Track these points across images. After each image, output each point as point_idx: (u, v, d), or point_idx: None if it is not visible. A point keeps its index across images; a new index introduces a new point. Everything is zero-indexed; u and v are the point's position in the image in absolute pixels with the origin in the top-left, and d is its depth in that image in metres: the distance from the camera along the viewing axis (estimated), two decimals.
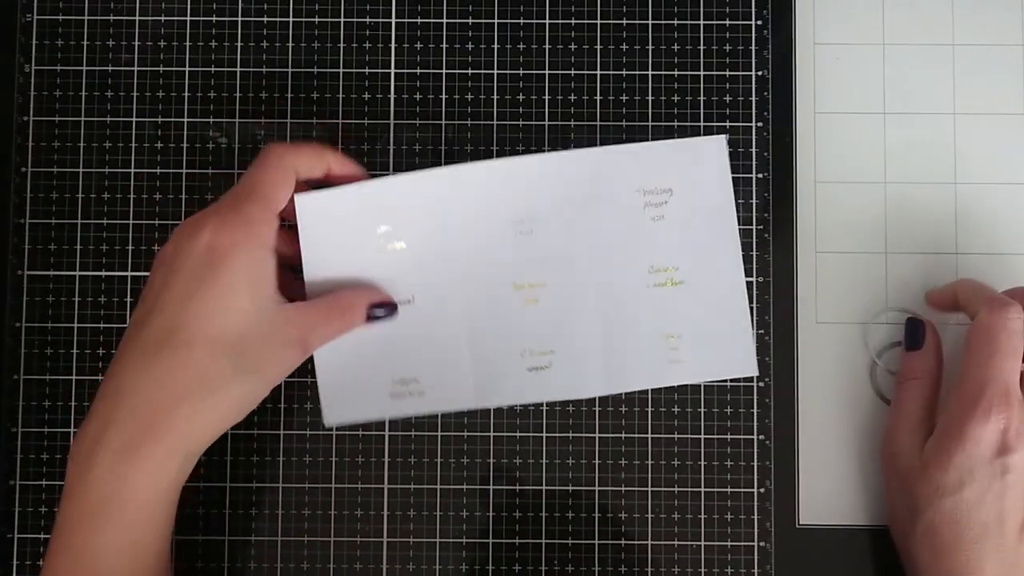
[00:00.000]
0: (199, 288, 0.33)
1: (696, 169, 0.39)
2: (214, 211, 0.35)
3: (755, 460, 0.42)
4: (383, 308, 0.38)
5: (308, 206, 0.37)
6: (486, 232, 0.39)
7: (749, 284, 0.42)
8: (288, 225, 0.37)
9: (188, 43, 0.43)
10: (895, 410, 0.40)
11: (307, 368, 0.42)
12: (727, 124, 0.43)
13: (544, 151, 0.42)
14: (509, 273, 0.39)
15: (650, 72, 0.43)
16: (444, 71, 0.43)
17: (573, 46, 0.43)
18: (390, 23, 0.43)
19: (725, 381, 0.42)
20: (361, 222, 0.38)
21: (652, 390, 0.42)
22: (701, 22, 0.43)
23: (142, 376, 0.33)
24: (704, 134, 0.43)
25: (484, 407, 0.41)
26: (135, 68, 0.43)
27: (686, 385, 0.42)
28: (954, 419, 0.36)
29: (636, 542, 0.41)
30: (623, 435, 0.42)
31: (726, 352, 0.40)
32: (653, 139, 0.43)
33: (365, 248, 0.38)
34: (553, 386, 0.39)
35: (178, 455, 0.33)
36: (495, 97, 0.43)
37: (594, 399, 0.42)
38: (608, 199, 0.39)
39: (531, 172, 0.39)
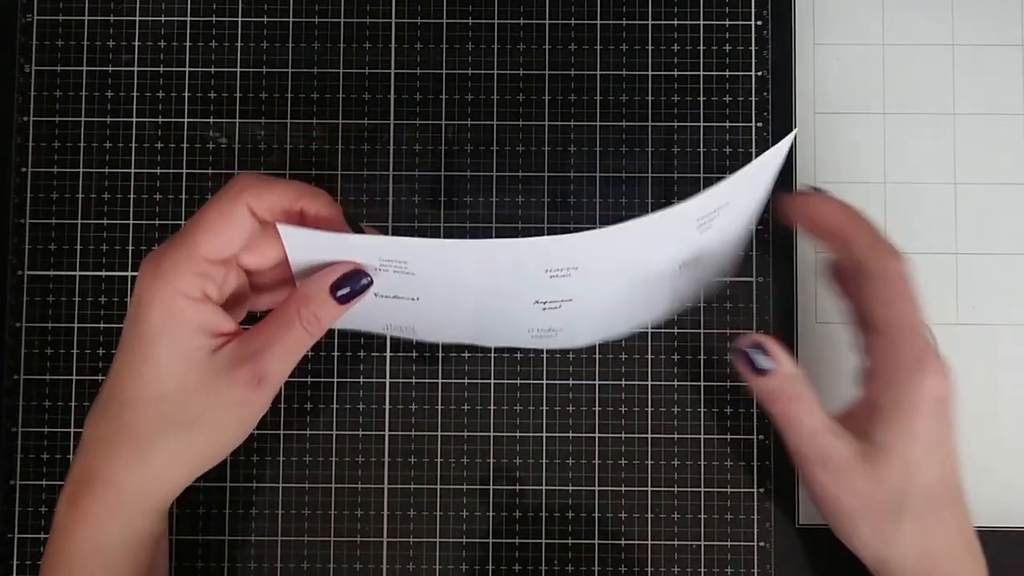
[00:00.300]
0: (126, 344, 0.32)
1: (758, 178, 0.34)
2: (157, 250, 0.32)
3: (755, 460, 0.42)
4: (351, 281, 0.33)
5: (294, 239, 0.32)
6: (512, 280, 0.33)
7: (749, 284, 0.42)
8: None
9: (188, 43, 0.43)
10: (798, 443, 0.35)
11: (307, 368, 0.42)
12: (727, 124, 0.43)
13: (595, 227, 0.32)
14: (532, 295, 0.35)
15: (650, 72, 0.43)
16: (444, 71, 0.43)
17: (573, 46, 0.43)
18: (390, 23, 0.43)
19: (725, 380, 0.42)
20: (357, 255, 0.33)
21: (652, 389, 0.42)
22: (701, 22, 0.43)
23: (92, 429, 0.33)
24: (704, 134, 0.43)
25: (479, 344, 0.41)
26: (135, 68, 0.43)
27: (686, 385, 0.42)
28: (904, 389, 0.34)
29: (636, 542, 0.41)
30: (623, 435, 0.42)
31: (716, 267, 0.38)
32: (652, 138, 0.42)
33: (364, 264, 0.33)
34: (554, 344, 0.40)
35: (120, 510, 0.32)
36: (495, 97, 0.43)
37: (594, 399, 0.42)
38: (662, 243, 0.34)
39: (579, 247, 0.32)
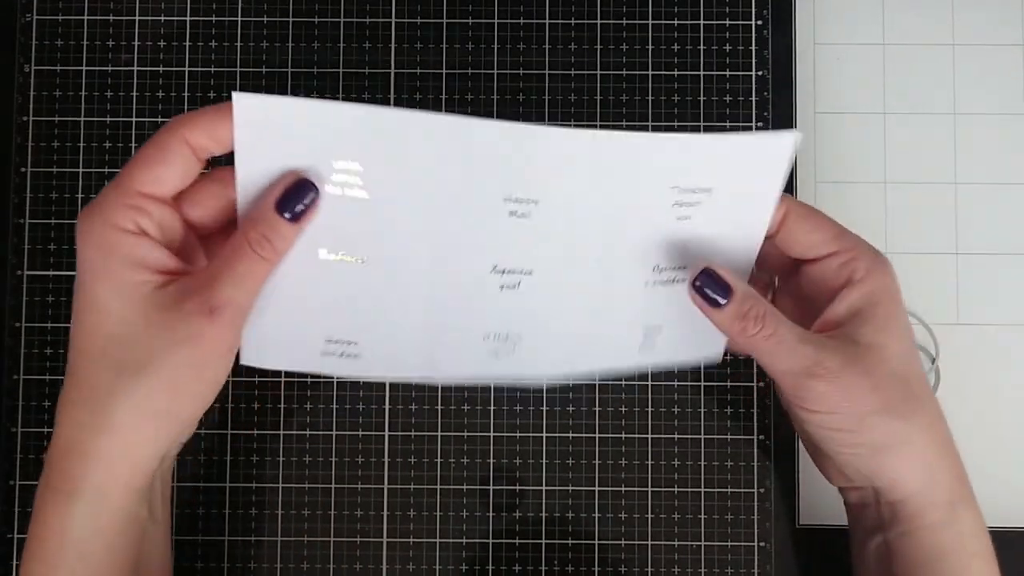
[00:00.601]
0: (73, 295, 0.31)
1: (749, 170, 0.33)
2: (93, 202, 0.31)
3: (755, 460, 0.42)
4: (295, 193, 0.31)
5: (248, 112, 0.30)
6: (473, 204, 0.32)
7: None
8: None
9: (188, 43, 0.43)
10: (782, 360, 0.33)
11: None
12: (727, 124, 0.43)
13: (571, 125, 0.37)
14: (492, 255, 0.33)
15: (650, 72, 0.43)
16: (444, 71, 0.43)
17: (573, 46, 0.43)
18: (390, 23, 0.43)
19: (725, 380, 0.42)
20: (314, 147, 0.31)
21: (652, 389, 0.42)
22: (701, 22, 0.43)
23: (60, 396, 0.31)
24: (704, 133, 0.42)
25: (428, 379, 0.37)
26: (135, 68, 0.43)
27: (686, 385, 0.42)
28: (871, 286, 0.34)
29: (636, 542, 0.41)
30: (623, 435, 0.42)
31: (698, 339, 0.37)
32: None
33: (313, 179, 0.31)
34: (513, 370, 0.36)
35: (88, 486, 0.30)
36: (495, 97, 0.43)
37: (594, 399, 0.42)
38: (633, 192, 0.33)
39: (551, 147, 0.32)
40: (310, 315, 0.33)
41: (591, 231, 0.34)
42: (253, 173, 0.31)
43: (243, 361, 0.34)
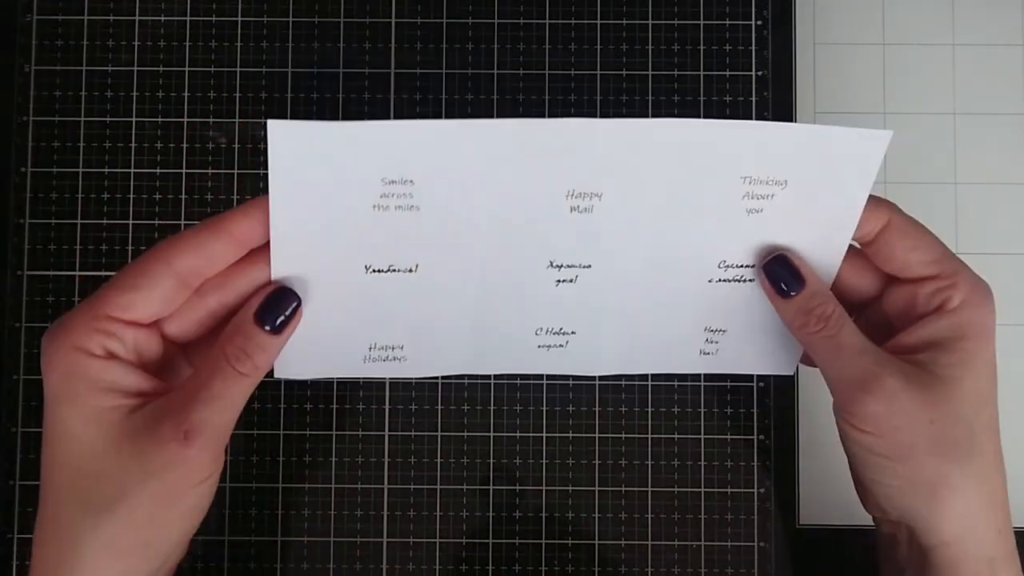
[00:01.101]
0: (44, 425, 0.29)
1: (833, 163, 0.31)
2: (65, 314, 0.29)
3: (755, 460, 0.42)
4: (275, 302, 0.30)
5: (282, 134, 0.28)
6: (533, 203, 0.31)
7: None
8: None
9: (188, 43, 0.43)
10: (838, 367, 0.31)
11: None
12: None
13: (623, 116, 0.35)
14: (548, 251, 0.32)
15: (650, 72, 0.43)
16: (444, 71, 0.43)
17: (573, 46, 0.43)
18: (390, 23, 0.43)
19: (725, 381, 0.42)
20: (357, 166, 0.29)
21: (652, 389, 0.42)
22: (701, 22, 0.43)
23: (33, 538, 0.30)
24: None
25: (476, 372, 0.36)
26: (135, 68, 0.43)
27: (686, 385, 0.42)
28: (965, 316, 0.31)
29: (636, 542, 0.41)
30: (623, 435, 0.42)
31: (768, 348, 0.35)
32: None
33: (361, 198, 0.30)
34: (565, 363, 0.35)
35: None
36: (495, 97, 0.43)
37: (594, 399, 0.42)
38: (699, 182, 0.31)
39: (613, 137, 0.30)
40: (355, 326, 0.32)
41: (655, 223, 0.32)
42: (290, 206, 0.29)
43: (277, 375, 0.32)
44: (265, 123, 0.28)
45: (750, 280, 0.34)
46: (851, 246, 0.33)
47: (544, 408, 0.42)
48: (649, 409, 0.42)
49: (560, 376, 0.42)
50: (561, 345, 0.35)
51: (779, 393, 0.42)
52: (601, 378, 0.42)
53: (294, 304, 0.30)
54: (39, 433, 0.41)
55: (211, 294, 0.30)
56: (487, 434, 0.42)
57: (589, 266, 0.33)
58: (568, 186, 0.31)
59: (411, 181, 0.30)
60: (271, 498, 0.42)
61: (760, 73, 0.43)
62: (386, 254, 0.31)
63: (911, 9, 0.43)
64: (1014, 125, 0.43)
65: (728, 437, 0.42)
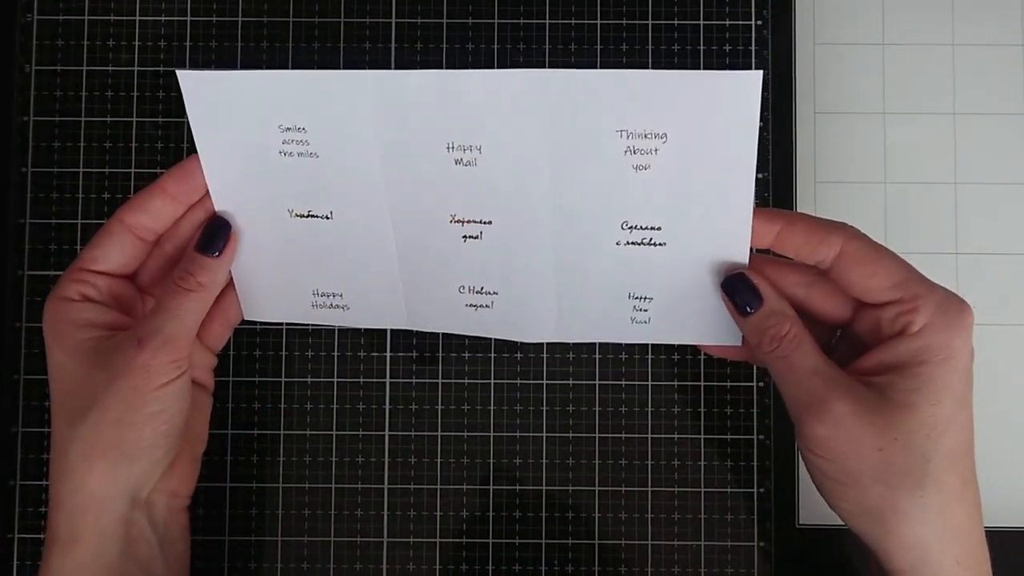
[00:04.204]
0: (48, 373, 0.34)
1: (708, 112, 0.30)
2: None
3: (755, 460, 0.42)
4: (208, 229, 0.34)
5: (194, 90, 0.33)
6: (417, 155, 0.33)
7: None
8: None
9: (188, 43, 0.43)
10: (791, 388, 0.31)
11: (307, 368, 0.42)
12: None
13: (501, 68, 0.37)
14: (446, 205, 0.34)
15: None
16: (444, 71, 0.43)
17: (573, 46, 0.43)
18: (390, 23, 0.43)
19: (725, 380, 0.42)
20: (261, 115, 0.33)
21: (652, 389, 0.42)
22: (701, 22, 0.43)
23: None
24: None
25: (417, 329, 0.37)
26: (135, 68, 0.43)
27: (686, 385, 0.42)
28: (932, 338, 0.30)
29: (636, 542, 0.41)
30: (623, 435, 0.42)
31: (705, 316, 0.34)
32: None
33: (266, 146, 0.33)
34: (495, 325, 0.35)
35: (62, 537, 0.32)
36: None
37: (594, 399, 0.42)
38: (575, 136, 0.31)
39: (484, 91, 0.31)
40: (296, 269, 0.36)
41: (541, 179, 0.32)
42: (214, 150, 0.34)
43: (245, 316, 0.37)
44: (175, 73, 0.33)
45: (661, 244, 0.33)
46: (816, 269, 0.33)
47: (544, 408, 0.42)
48: (649, 409, 0.42)
49: (560, 376, 0.42)
50: (487, 305, 0.35)
51: (779, 393, 0.42)
52: (601, 378, 0.42)
53: (226, 230, 0.34)
54: (39, 433, 0.41)
55: (167, 243, 0.35)
56: (487, 434, 0.42)
57: (489, 222, 0.34)
58: (447, 138, 0.32)
59: (304, 128, 0.33)
60: (271, 498, 0.42)
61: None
62: (303, 199, 0.34)
63: (911, 9, 0.43)
64: (1014, 125, 0.43)
65: (728, 437, 0.42)
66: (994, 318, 0.42)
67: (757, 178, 0.42)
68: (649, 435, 0.42)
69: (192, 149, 0.42)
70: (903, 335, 0.30)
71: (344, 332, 0.42)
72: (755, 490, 0.42)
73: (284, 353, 0.42)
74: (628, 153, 0.32)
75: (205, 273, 0.34)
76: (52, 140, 0.42)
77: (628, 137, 0.31)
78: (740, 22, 0.43)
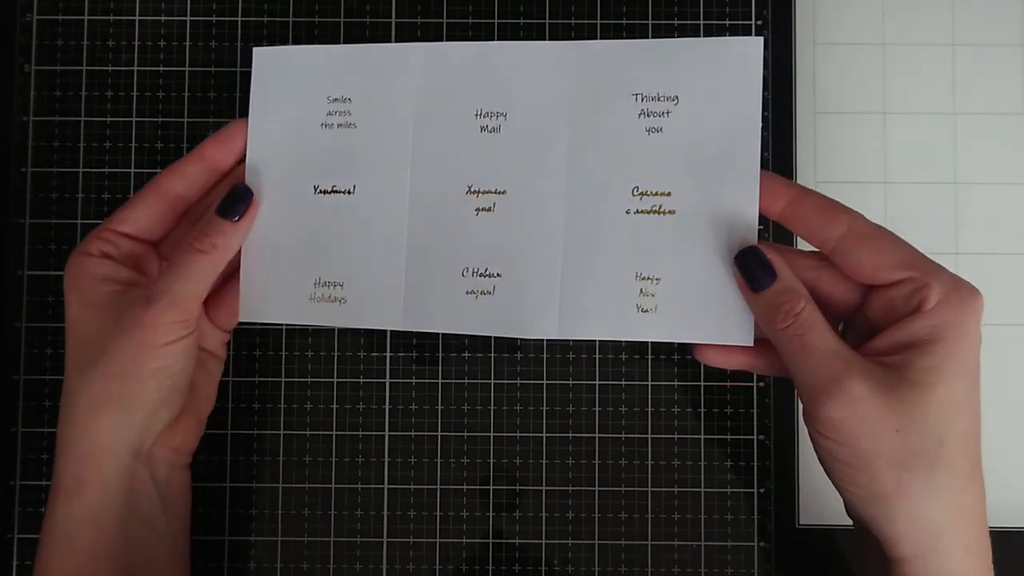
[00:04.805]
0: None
1: (714, 77, 0.33)
2: None
3: (755, 460, 0.42)
4: (230, 196, 0.35)
5: (265, 59, 0.36)
6: (448, 123, 0.35)
7: None
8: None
9: (188, 43, 0.43)
10: (803, 368, 0.30)
11: (307, 368, 0.42)
12: None
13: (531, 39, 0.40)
14: (466, 175, 0.35)
15: None
16: None
17: None
18: (390, 23, 0.43)
19: (725, 380, 0.42)
20: (313, 85, 0.36)
21: (652, 389, 0.42)
22: (701, 22, 0.43)
23: None
24: None
25: (412, 329, 0.36)
26: (135, 68, 0.43)
27: (686, 385, 0.42)
28: (947, 318, 0.29)
29: (636, 542, 0.41)
30: (623, 435, 0.42)
31: (714, 311, 0.33)
32: None
33: (312, 117, 0.36)
34: (495, 318, 0.35)
35: (66, 482, 0.33)
36: None
37: (594, 399, 0.42)
38: (595, 101, 0.34)
39: (509, 60, 0.35)
40: (300, 255, 0.36)
41: (558, 143, 0.35)
42: (263, 122, 0.36)
43: (242, 318, 0.37)
44: (252, 49, 0.37)
45: (670, 212, 0.34)
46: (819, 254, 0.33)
47: (544, 408, 0.42)
48: (649, 409, 0.42)
49: (560, 376, 0.42)
50: (488, 292, 0.35)
51: (779, 393, 0.42)
52: (601, 378, 0.42)
53: (248, 197, 0.36)
54: (39, 433, 0.41)
55: (194, 212, 0.36)
56: (487, 434, 0.42)
57: (504, 192, 0.35)
58: (476, 105, 0.35)
59: (349, 99, 0.36)
60: (271, 498, 0.42)
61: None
62: (330, 173, 0.36)
63: (911, 9, 0.43)
64: (1014, 125, 0.43)
65: (728, 437, 0.42)
66: (994, 318, 0.42)
67: None
68: (649, 435, 0.42)
69: (191, 149, 0.43)
70: (918, 312, 0.30)
71: (344, 332, 0.42)
72: (755, 490, 0.42)
73: (284, 353, 0.42)
74: (642, 116, 0.34)
75: (221, 236, 0.34)
76: (52, 140, 0.42)
77: (642, 100, 0.34)
78: (740, 22, 0.43)
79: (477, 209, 0.35)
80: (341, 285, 0.36)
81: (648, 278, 0.34)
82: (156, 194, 0.35)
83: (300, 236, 0.36)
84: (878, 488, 0.30)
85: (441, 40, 0.43)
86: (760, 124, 0.33)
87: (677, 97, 0.34)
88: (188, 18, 0.43)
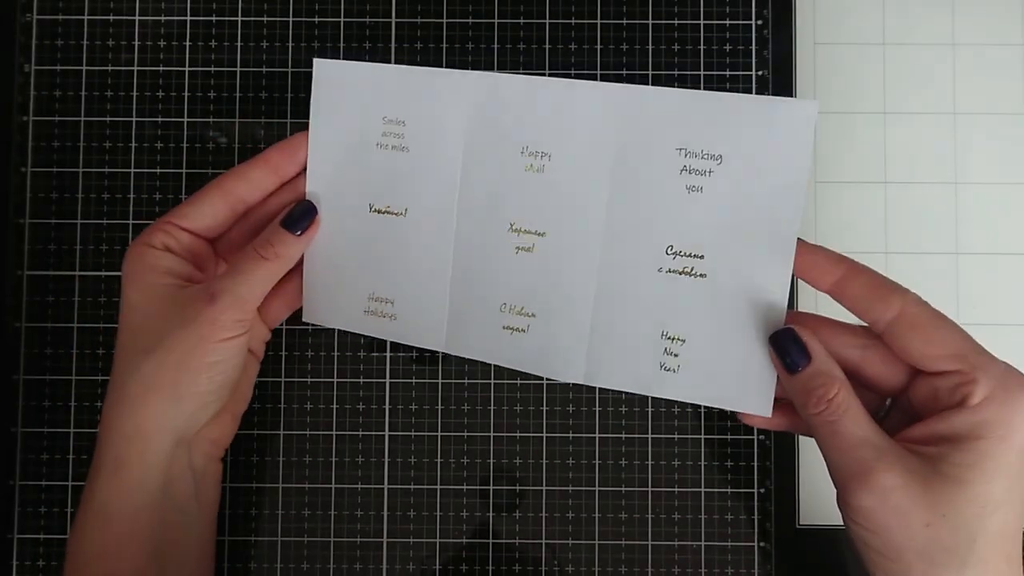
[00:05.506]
0: (120, 310, 0.36)
1: (763, 138, 0.32)
2: None
3: (755, 460, 0.42)
4: (296, 211, 0.37)
5: (325, 72, 0.37)
6: (495, 156, 0.36)
7: None
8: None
9: (188, 43, 0.43)
10: (836, 454, 0.30)
11: (307, 368, 0.42)
12: None
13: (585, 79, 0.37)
14: (509, 212, 0.36)
15: (650, 72, 0.43)
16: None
17: (573, 46, 0.43)
18: (390, 23, 0.43)
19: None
20: (371, 103, 0.37)
21: None
22: (701, 22, 0.43)
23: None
24: None
25: (453, 353, 0.39)
26: (135, 68, 0.43)
27: None
28: (990, 415, 0.29)
29: (636, 542, 0.41)
30: (623, 435, 0.42)
31: (734, 379, 0.34)
32: None
33: (367, 136, 0.37)
34: (527, 356, 0.36)
35: (108, 464, 0.34)
36: None
37: (594, 400, 0.42)
38: (640, 150, 0.33)
39: (558, 98, 0.35)
40: (359, 268, 0.38)
41: (599, 191, 0.35)
42: (323, 135, 0.37)
43: (305, 318, 0.39)
44: (313, 60, 0.37)
45: (702, 275, 0.34)
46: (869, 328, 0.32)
47: (544, 408, 0.42)
48: (649, 409, 0.42)
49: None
50: (523, 329, 0.36)
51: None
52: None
53: (312, 213, 0.37)
54: (39, 433, 0.41)
55: (253, 215, 0.37)
56: (487, 434, 0.42)
57: (544, 233, 0.36)
58: (523, 142, 0.35)
59: (403, 122, 0.37)
60: (271, 498, 0.42)
61: (760, 73, 0.43)
62: (385, 194, 0.37)
63: (911, 9, 0.43)
64: (1014, 125, 0.43)
65: (728, 437, 0.42)
66: (994, 318, 0.42)
67: None
68: (649, 435, 0.42)
69: (192, 149, 0.42)
70: (961, 407, 0.29)
71: (344, 332, 0.42)
72: (755, 490, 0.42)
73: (284, 353, 0.42)
74: (684, 172, 0.33)
75: (284, 246, 0.36)
76: (52, 140, 0.42)
77: (686, 156, 0.33)
78: (740, 22, 0.43)
79: (517, 248, 0.36)
80: (392, 302, 0.38)
81: (673, 338, 0.34)
82: (220, 194, 0.37)
83: (357, 250, 0.38)
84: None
85: (441, 39, 0.43)
86: (804, 194, 0.31)
87: (722, 157, 0.33)
88: (188, 18, 0.43)
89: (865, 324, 0.32)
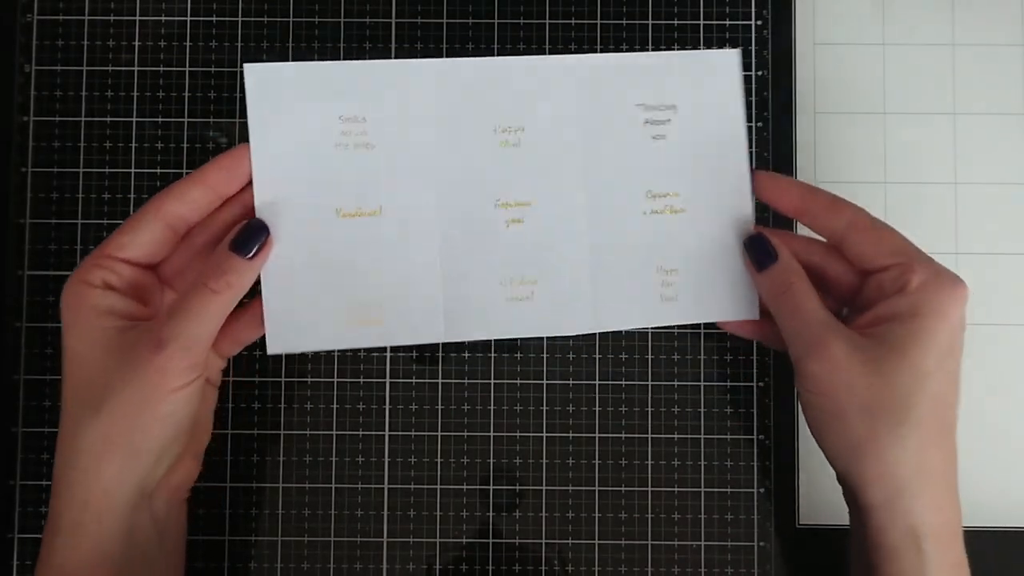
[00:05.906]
0: (62, 355, 0.33)
1: (705, 86, 0.37)
2: None
3: (755, 460, 0.42)
4: (246, 232, 0.34)
5: (257, 76, 0.35)
6: (468, 139, 0.36)
7: None
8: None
9: (188, 43, 0.43)
10: (794, 330, 0.34)
11: (307, 368, 0.42)
12: None
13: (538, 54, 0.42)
14: (492, 189, 0.37)
15: None
16: None
17: (573, 46, 0.43)
18: (390, 23, 0.43)
19: (725, 380, 0.42)
20: (320, 105, 0.35)
21: (652, 389, 0.42)
22: (701, 22, 0.43)
23: None
24: None
25: (454, 340, 0.38)
26: (135, 68, 0.43)
27: (686, 385, 0.42)
28: (926, 297, 0.33)
29: (636, 542, 0.41)
30: (623, 435, 0.42)
31: (726, 293, 0.37)
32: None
33: (324, 138, 0.35)
34: (534, 320, 0.37)
35: (64, 524, 0.32)
36: None
37: (594, 399, 0.42)
38: (604, 112, 0.37)
39: (521, 75, 0.36)
40: (328, 281, 0.36)
41: (575, 154, 0.37)
42: (267, 145, 0.35)
43: (270, 351, 0.36)
44: (242, 66, 0.34)
45: (680, 210, 0.37)
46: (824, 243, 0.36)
47: (544, 408, 0.42)
48: (649, 409, 0.42)
49: (560, 376, 0.42)
50: (527, 297, 0.37)
51: (779, 393, 0.42)
52: (601, 378, 0.42)
53: (264, 232, 0.35)
54: (39, 433, 0.41)
55: (197, 236, 0.35)
56: (487, 434, 0.42)
57: (530, 203, 0.37)
58: (494, 121, 0.36)
59: (364, 119, 0.36)
60: (271, 498, 0.42)
61: (760, 73, 0.43)
62: (353, 195, 0.36)
63: (911, 9, 0.43)
64: (1014, 125, 0.43)
65: (728, 437, 0.42)
66: (994, 318, 0.42)
67: None
68: (649, 435, 0.42)
69: (192, 149, 0.42)
70: (902, 292, 0.33)
71: None
72: (755, 490, 0.42)
73: (284, 353, 0.42)
74: (648, 124, 0.37)
75: (235, 275, 0.33)
76: (52, 140, 0.42)
77: (646, 109, 0.37)
78: (740, 22, 0.43)
79: (508, 221, 0.37)
80: (378, 306, 0.36)
81: (668, 270, 0.38)
82: (157, 217, 0.34)
83: (326, 261, 0.36)
84: (849, 437, 0.33)
85: (441, 39, 0.43)
86: (746, 128, 0.37)
87: (675, 106, 0.37)
88: (188, 18, 0.43)
89: (823, 239, 0.36)
